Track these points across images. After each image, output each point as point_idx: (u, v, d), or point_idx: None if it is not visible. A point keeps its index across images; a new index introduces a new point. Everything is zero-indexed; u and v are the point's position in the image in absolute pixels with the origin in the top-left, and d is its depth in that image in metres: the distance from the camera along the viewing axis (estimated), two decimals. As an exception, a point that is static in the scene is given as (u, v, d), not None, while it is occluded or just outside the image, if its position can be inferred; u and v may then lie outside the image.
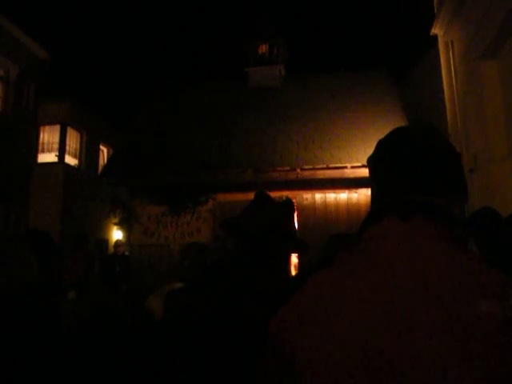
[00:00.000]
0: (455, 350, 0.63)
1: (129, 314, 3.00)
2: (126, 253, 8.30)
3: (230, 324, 1.30)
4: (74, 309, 2.72)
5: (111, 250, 11.52)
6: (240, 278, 1.42)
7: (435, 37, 7.89)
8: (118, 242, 9.20)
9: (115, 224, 8.91)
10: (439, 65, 7.75)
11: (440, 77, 7.68)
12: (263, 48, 11.24)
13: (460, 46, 6.70)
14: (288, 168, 7.70)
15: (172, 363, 1.38)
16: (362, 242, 0.84)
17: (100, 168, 14.89)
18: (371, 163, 0.97)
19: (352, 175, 7.42)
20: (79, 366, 2.25)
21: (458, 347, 0.63)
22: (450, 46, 7.06)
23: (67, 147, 14.49)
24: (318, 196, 7.69)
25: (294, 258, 7.44)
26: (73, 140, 14.92)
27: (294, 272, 7.88)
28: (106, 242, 15.03)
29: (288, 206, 1.62)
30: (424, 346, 0.64)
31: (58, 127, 14.30)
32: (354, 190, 7.62)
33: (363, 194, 7.56)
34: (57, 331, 2.15)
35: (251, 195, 1.70)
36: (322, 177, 7.57)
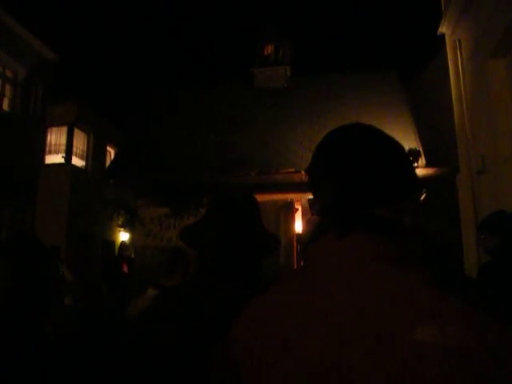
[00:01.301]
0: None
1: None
2: (131, 255, 8.28)
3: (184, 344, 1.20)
4: (66, 315, 2.67)
5: (116, 251, 11.57)
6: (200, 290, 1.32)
7: (443, 38, 7.77)
8: (123, 245, 9.19)
9: (119, 226, 8.90)
10: (447, 65, 7.63)
11: (448, 77, 7.56)
12: (269, 49, 11.18)
13: (468, 44, 6.57)
14: (293, 170, 7.60)
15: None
16: (303, 264, 0.79)
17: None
18: (309, 174, 0.86)
19: (357, 177, 7.30)
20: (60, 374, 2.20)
21: (392, 371, 0.56)
22: (458, 44, 6.93)
23: (74, 149, 14.53)
24: (324, 198, 7.59)
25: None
26: (80, 141, 14.96)
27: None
28: (112, 243, 15.06)
29: (247, 205, 1.47)
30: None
31: (65, 129, 14.35)
32: (360, 192, 7.51)
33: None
34: (34, 339, 2.09)
35: (256, 198, 1.58)
36: (326, 179, 7.46)
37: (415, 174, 0.78)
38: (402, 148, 0.82)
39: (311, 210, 0.82)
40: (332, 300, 0.65)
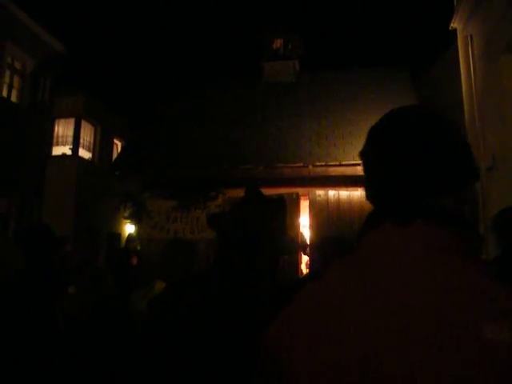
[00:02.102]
0: (450, 374, 0.52)
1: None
2: (138, 247, 8.29)
3: (209, 332, 1.21)
4: (67, 305, 2.67)
5: (123, 244, 11.59)
6: (222, 282, 1.33)
7: (454, 34, 7.71)
8: (130, 237, 9.20)
9: (125, 218, 8.91)
10: (458, 60, 7.57)
11: (458, 73, 7.50)
12: (278, 43, 11.12)
13: (480, 40, 6.51)
14: (300, 164, 7.59)
15: (157, 367, 1.31)
16: (357, 251, 0.74)
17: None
18: (363, 157, 0.82)
19: (365, 173, 7.27)
20: (67, 360, 2.21)
21: (454, 371, 0.52)
22: (469, 40, 6.87)
23: (81, 140, 14.58)
24: (331, 193, 7.56)
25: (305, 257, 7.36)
26: (87, 133, 15.00)
27: (305, 270, 7.80)
28: (118, 235, 15.11)
29: (279, 206, 1.51)
30: (414, 370, 0.54)
31: (72, 120, 14.39)
32: (368, 188, 7.48)
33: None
34: (45, 324, 2.11)
35: (263, 192, 1.60)
36: (334, 174, 7.44)
37: (475, 163, 0.74)
38: (464, 134, 0.78)
39: (370, 198, 0.78)
40: (391, 290, 0.62)
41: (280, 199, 1.54)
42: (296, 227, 7.02)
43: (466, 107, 7.16)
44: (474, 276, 0.60)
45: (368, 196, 0.80)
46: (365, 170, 0.81)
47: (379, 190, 0.76)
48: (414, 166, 0.70)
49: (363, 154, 0.82)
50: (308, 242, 6.94)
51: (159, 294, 1.54)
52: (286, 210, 1.52)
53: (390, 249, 0.68)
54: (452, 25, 7.36)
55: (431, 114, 0.76)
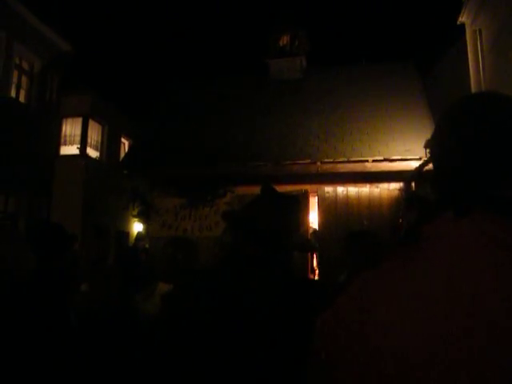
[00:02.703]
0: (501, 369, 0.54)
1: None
2: (146, 245, 8.31)
3: (229, 323, 1.24)
4: (80, 301, 2.68)
5: (132, 242, 11.64)
6: (240, 275, 1.35)
7: (462, 28, 7.65)
8: (139, 235, 9.23)
9: (134, 216, 8.94)
10: (466, 55, 7.51)
11: (466, 69, 7.44)
12: (284, 39, 11.08)
13: (489, 34, 6.46)
14: (308, 161, 7.57)
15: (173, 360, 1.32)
16: (413, 242, 0.74)
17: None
18: (430, 146, 0.82)
19: (373, 169, 7.24)
20: (81, 356, 2.22)
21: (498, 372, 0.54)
22: (478, 34, 6.82)
23: (89, 140, 14.64)
24: (340, 190, 7.55)
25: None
26: (94, 132, 15.06)
27: (314, 270, 7.80)
28: (126, 234, 15.17)
29: (295, 203, 1.54)
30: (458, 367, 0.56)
31: (79, 120, 14.45)
32: (376, 185, 7.45)
33: (385, 189, 7.38)
34: (57, 322, 2.12)
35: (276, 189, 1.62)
36: (342, 170, 7.42)
37: None
38: None
39: (435, 187, 0.78)
40: (446, 280, 0.63)
41: (297, 195, 1.58)
42: (306, 223, 7.01)
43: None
44: None
45: (434, 187, 0.79)
46: (432, 158, 0.80)
47: (444, 180, 0.76)
48: (486, 155, 0.70)
49: (431, 143, 0.82)
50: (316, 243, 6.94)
51: (174, 290, 1.55)
52: (300, 207, 1.55)
53: (450, 239, 0.68)
54: (460, 19, 7.31)
55: (507, 103, 0.74)
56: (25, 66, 11.98)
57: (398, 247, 0.77)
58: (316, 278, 7.50)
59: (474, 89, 7.17)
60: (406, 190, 6.85)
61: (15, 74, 11.56)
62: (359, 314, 0.69)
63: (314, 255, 7.61)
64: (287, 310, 1.22)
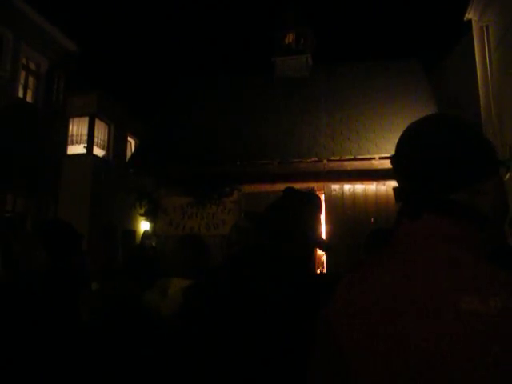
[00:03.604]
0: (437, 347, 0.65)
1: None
2: (153, 244, 8.35)
3: (255, 316, 1.27)
4: (92, 300, 2.70)
5: (138, 240, 11.69)
6: (265, 270, 1.38)
7: (469, 24, 7.61)
8: (146, 234, 9.26)
9: (141, 215, 8.98)
10: (472, 52, 7.47)
11: (473, 65, 7.40)
12: (290, 37, 11.07)
13: (496, 31, 6.42)
14: (315, 159, 7.57)
15: (193, 355, 1.34)
16: (388, 245, 0.85)
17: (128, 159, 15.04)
18: (392, 160, 0.93)
19: (380, 166, 7.23)
20: (91, 356, 2.24)
21: (441, 345, 0.65)
22: (485, 31, 6.79)
23: (95, 139, 14.71)
24: (347, 187, 7.55)
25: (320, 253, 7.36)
26: (101, 132, 15.13)
27: (322, 268, 7.80)
28: (133, 232, 15.23)
29: (316, 204, 1.59)
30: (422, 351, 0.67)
31: (86, 119, 14.52)
32: (383, 182, 7.44)
33: (392, 186, 7.35)
34: (67, 320, 2.13)
35: (277, 186, 1.66)
36: (349, 168, 7.41)
37: (494, 158, 0.84)
38: (479, 132, 0.88)
39: (395, 196, 0.90)
40: (404, 277, 0.74)
41: (316, 198, 1.63)
42: (319, 221, 7.02)
43: (481, 99, 7.08)
44: (465, 259, 0.71)
45: (397, 195, 0.90)
46: (394, 172, 0.93)
47: (403, 189, 0.87)
48: (428, 165, 0.81)
49: (398, 158, 0.92)
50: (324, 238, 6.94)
51: (199, 283, 1.58)
52: (321, 209, 1.62)
53: (405, 241, 0.80)
54: (467, 16, 7.27)
55: (447, 120, 0.87)
56: (32, 66, 12.06)
57: (375, 249, 0.88)
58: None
59: (481, 85, 7.13)
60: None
61: (22, 74, 11.65)
62: (346, 318, 0.78)
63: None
64: (299, 308, 1.25)
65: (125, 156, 15.76)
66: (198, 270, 2.81)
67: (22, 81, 11.67)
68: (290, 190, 1.61)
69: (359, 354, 0.73)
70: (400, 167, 0.88)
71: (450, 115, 0.90)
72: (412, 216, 0.81)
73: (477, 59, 7.25)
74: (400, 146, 0.90)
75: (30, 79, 12.05)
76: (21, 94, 11.62)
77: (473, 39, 7.45)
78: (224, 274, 1.48)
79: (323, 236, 1.86)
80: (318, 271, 7.54)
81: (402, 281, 0.73)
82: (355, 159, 7.38)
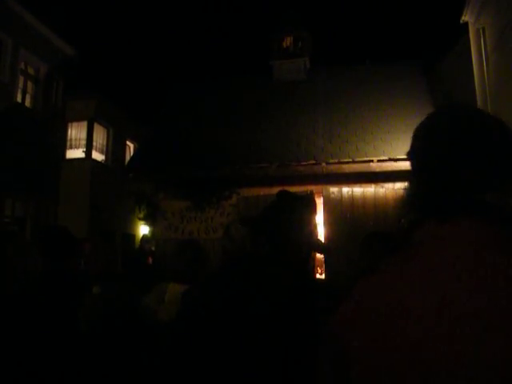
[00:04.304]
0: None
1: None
2: (152, 248, 8.35)
3: (250, 321, 1.27)
4: (94, 304, 2.71)
5: (138, 244, 11.69)
6: (258, 275, 1.38)
7: (465, 27, 7.63)
8: (145, 238, 9.27)
9: (140, 219, 8.99)
10: (469, 54, 7.49)
11: (470, 67, 7.42)
12: (288, 41, 11.09)
13: (492, 33, 6.45)
14: (313, 162, 7.57)
15: (189, 357, 1.35)
16: (405, 247, 0.77)
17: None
18: (410, 156, 0.85)
19: (378, 169, 7.24)
20: (91, 361, 2.24)
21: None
22: (482, 33, 6.81)
23: (94, 143, 14.73)
24: (345, 190, 7.55)
25: (320, 256, 7.35)
26: (100, 136, 15.15)
27: (319, 271, 7.80)
28: (132, 236, 15.24)
29: (309, 204, 1.58)
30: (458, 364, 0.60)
31: (85, 123, 14.54)
32: (381, 185, 7.45)
33: (390, 189, 7.38)
34: (65, 325, 2.13)
35: (275, 190, 1.66)
36: (347, 171, 7.42)
37: None
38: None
39: (407, 195, 0.82)
40: (435, 285, 0.67)
41: (309, 201, 1.62)
42: (314, 224, 7.02)
43: (478, 101, 7.09)
44: (504, 269, 0.63)
45: (415, 194, 0.82)
46: (412, 168, 0.84)
47: (426, 188, 0.78)
48: (456, 163, 0.73)
49: (410, 153, 0.85)
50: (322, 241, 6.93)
51: (193, 290, 1.59)
52: (315, 210, 1.61)
53: (435, 245, 0.71)
54: (463, 18, 7.30)
55: (481, 114, 0.79)
56: (30, 71, 12.08)
57: (391, 252, 0.79)
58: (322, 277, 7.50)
59: (478, 87, 7.15)
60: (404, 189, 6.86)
61: (21, 79, 11.67)
62: (363, 321, 0.72)
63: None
64: (297, 311, 1.25)
65: (124, 160, 15.79)
66: (195, 275, 2.83)
67: (21, 85, 11.69)
68: (283, 193, 1.60)
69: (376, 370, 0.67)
70: (423, 163, 0.79)
71: (481, 109, 0.82)
72: (442, 218, 0.72)
73: (473, 61, 7.27)
74: (422, 137, 0.82)
75: (29, 84, 12.07)
76: (19, 99, 11.64)
77: (469, 41, 7.47)
78: (221, 280, 1.48)
79: (321, 238, 1.87)
80: (318, 274, 7.55)
81: (432, 287, 0.67)
82: (353, 162, 7.38)
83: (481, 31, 6.90)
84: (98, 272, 3.77)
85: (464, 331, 0.60)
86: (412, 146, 0.84)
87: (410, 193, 0.83)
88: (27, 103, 12.00)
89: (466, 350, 0.59)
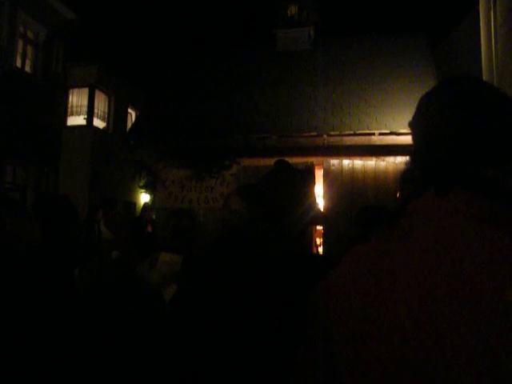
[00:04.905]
0: (478, 343, 0.57)
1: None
2: (153, 216, 8.41)
3: (250, 291, 1.28)
4: (90, 272, 2.74)
5: (138, 213, 11.75)
6: (257, 245, 1.39)
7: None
8: (145, 206, 9.31)
9: (140, 187, 9.00)
10: (478, 28, 7.31)
11: (478, 42, 7.25)
12: (292, 9, 10.85)
13: (502, 6, 6.27)
14: (314, 133, 7.53)
15: (191, 332, 1.36)
16: (400, 218, 0.77)
17: (128, 131, 14.97)
18: (412, 126, 0.84)
19: (379, 142, 7.20)
20: (92, 331, 2.26)
21: (481, 340, 0.57)
22: (492, 3, 6.62)
23: (95, 110, 14.60)
24: (346, 162, 7.53)
25: (319, 227, 7.39)
26: (101, 103, 15.01)
27: (318, 241, 7.86)
28: (133, 204, 15.31)
29: (307, 177, 1.57)
30: (448, 337, 0.59)
31: (86, 90, 14.39)
32: (382, 158, 7.42)
33: (391, 162, 7.36)
34: (65, 295, 2.15)
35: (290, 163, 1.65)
36: (348, 143, 7.38)
37: None
38: None
39: (407, 167, 0.82)
40: (428, 254, 0.66)
41: (307, 169, 1.61)
42: (313, 197, 7.04)
43: (485, 76, 6.97)
44: (502, 243, 0.62)
45: (415, 165, 0.81)
46: (414, 139, 0.83)
47: (426, 159, 0.78)
48: (457, 136, 0.72)
49: (412, 123, 0.84)
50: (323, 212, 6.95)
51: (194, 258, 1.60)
52: (314, 181, 1.60)
53: (430, 216, 0.71)
54: (473, -11, 7.10)
55: (487, 87, 0.77)
56: (30, 35, 11.87)
57: (383, 223, 0.79)
58: (320, 251, 7.57)
59: (484, 62, 7.00)
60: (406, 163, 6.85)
61: (20, 43, 11.47)
62: (350, 289, 0.72)
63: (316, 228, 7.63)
64: (293, 287, 1.26)
65: (125, 127, 15.68)
66: (186, 245, 2.85)
67: (20, 50, 11.51)
68: (280, 163, 1.59)
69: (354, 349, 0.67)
70: (424, 135, 0.79)
71: (489, 83, 0.80)
72: (440, 190, 0.72)
73: (482, 34, 7.07)
74: (425, 108, 0.80)
75: (29, 48, 11.87)
76: (19, 64, 11.48)
77: (478, 14, 7.28)
78: (217, 253, 1.48)
79: (321, 209, 1.85)
80: (316, 247, 7.62)
81: (427, 258, 0.66)
82: (355, 134, 7.34)
83: (492, 3, 6.71)
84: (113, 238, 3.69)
85: (450, 304, 0.60)
86: (414, 117, 0.83)
87: (409, 165, 0.82)
88: (27, 68, 11.84)
89: (450, 322, 0.60)
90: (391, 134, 7.07)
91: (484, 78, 7.00)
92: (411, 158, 0.83)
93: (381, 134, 7.16)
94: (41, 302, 1.99)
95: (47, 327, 1.97)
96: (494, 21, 6.54)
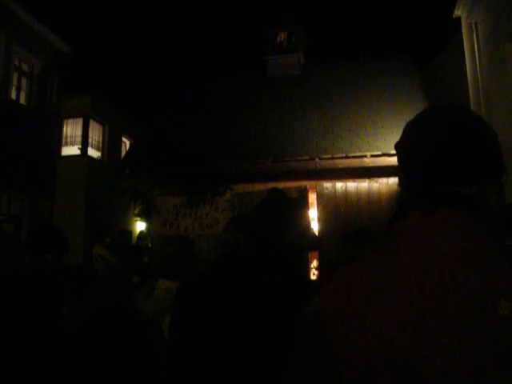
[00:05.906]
0: (472, 353, 0.60)
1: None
2: (149, 244, 8.36)
3: (244, 317, 1.29)
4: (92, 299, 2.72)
5: (135, 241, 11.69)
6: (251, 271, 1.40)
7: (459, 22, 7.64)
8: (141, 234, 9.27)
9: (135, 215, 8.98)
10: (463, 49, 7.50)
11: (464, 63, 7.44)
12: (282, 36, 11.09)
13: (484, 27, 6.46)
14: (307, 157, 7.60)
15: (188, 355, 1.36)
16: (387, 239, 0.81)
17: (122, 160, 15.00)
18: (398, 149, 0.89)
19: (371, 164, 7.27)
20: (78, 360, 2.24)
21: (475, 351, 0.60)
22: (474, 28, 6.82)
23: (90, 140, 14.66)
24: (339, 185, 7.57)
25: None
26: (95, 133, 15.08)
27: (315, 264, 7.83)
28: (129, 233, 15.22)
29: (300, 204, 1.60)
30: (440, 351, 0.62)
31: (80, 120, 14.47)
32: (375, 180, 7.47)
33: (384, 184, 7.41)
34: (52, 325, 2.13)
35: (270, 185, 1.68)
36: (341, 166, 7.44)
37: (503, 159, 0.81)
38: (494, 132, 0.83)
39: (400, 185, 0.87)
40: (416, 272, 0.70)
41: (300, 193, 1.65)
42: (306, 218, 7.04)
43: (471, 96, 7.12)
44: (489, 259, 0.66)
45: (401, 186, 0.87)
46: (399, 160, 0.88)
47: (411, 180, 0.83)
48: (441, 158, 0.77)
49: (398, 146, 0.89)
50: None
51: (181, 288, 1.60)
52: (307, 207, 1.63)
53: (418, 236, 0.75)
54: (456, 13, 7.31)
55: (460, 111, 0.83)
56: (24, 67, 12.02)
57: (374, 242, 0.83)
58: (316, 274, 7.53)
59: (470, 82, 7.17)
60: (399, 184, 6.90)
61: (15, 76, 11.61)
62: (341, 307, 0.75)
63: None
64: (287, 312, 1.27)
65: (120, 156, 15.72)
66: (185, 271, 2.85)
67: (15, 82, 11.64)
68: (273, 191, 1.61)
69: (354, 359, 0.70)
70: (408, 157, 0.84)
71: (469, 109, 0.87)
72: (428, 209, 0.75)
73: (466, 56, 7.28)
74: (411, 133, 0.85)
75: (23, 80, 12.00)
76: (14, 96, 11.59)
77: (462, 36, 7.48)
78: (213, 276, 1.49)
79: (316, 233, 1.87)
80: (312, 272, 7.58)
81: (416, 275, 0.69)
82: (347, 157, 7.41)
83: (473, 26, 6.91)
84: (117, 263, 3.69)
85: (444, 320, 0.63)
86: (400, 141, 0.88)
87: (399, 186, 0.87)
88: (22, 100, 11.94)
89: (444, 337, 0.62)
90: (383, 155, 7.14)
91: (470, 94, 7.15)
92: (398, 179, 0.88)
93: (372, 155, 7.23)
94: (27, 333, 1.97)
95: (32, 357, 1.95)
96: (477, 41, 6.73)
